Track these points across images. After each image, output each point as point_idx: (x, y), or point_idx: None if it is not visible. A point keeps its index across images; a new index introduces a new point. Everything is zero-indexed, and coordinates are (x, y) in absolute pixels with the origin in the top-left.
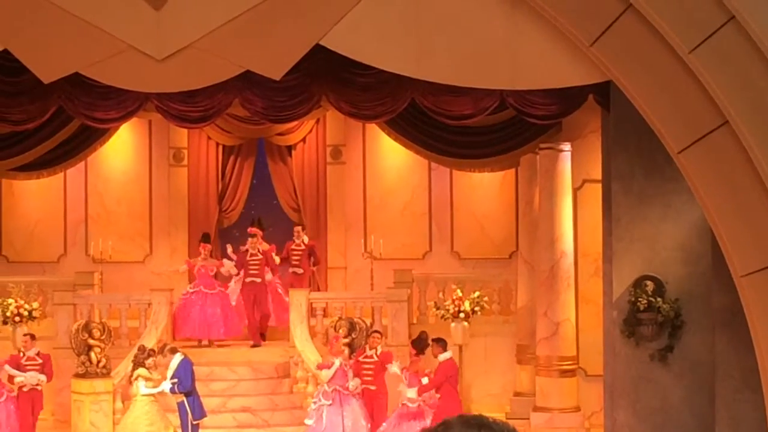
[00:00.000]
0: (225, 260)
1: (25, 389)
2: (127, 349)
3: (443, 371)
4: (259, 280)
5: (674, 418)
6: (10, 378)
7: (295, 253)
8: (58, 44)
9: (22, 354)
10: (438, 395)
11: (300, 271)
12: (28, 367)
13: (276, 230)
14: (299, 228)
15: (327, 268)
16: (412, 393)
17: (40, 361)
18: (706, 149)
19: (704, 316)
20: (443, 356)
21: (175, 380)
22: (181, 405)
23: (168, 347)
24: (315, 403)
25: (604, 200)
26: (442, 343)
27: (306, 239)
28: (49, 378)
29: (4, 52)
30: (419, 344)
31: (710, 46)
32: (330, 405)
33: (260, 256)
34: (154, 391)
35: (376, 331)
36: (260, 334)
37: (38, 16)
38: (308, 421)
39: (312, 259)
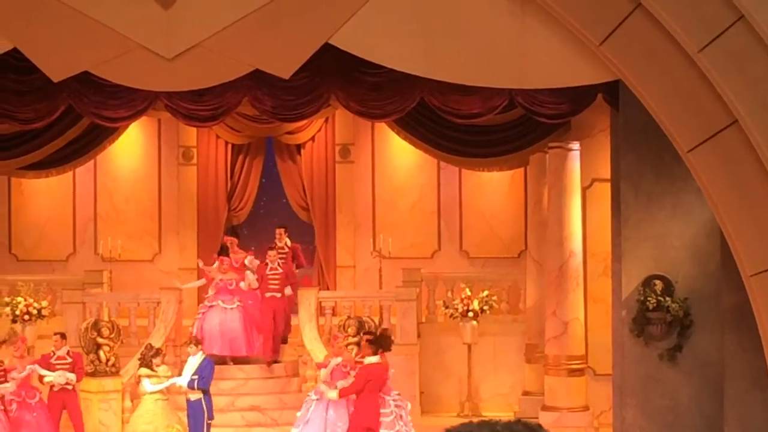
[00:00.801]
0: (248, 273)
1: (55, 389)
2: (137, 347)
3: (365, 375)
4: (279, 295)
5: (683, 418)
6: (41, 378)
7: (280, 255)
8: (67, 43)
9: (52, 353)
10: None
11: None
12: (58, 367)
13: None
14: (281, 230)
15: (336, 267)
16: (333, 395)
17: (71, 360)
18: (715, 148)
19: (713, 315)
20: (370, 360)
21: (196, 376)
22: (197, 403)
23: (195, 339)
24: (307, 398)
25: (613, 199)
26: (375, 347)
27: (288, 241)
28: (79, 377)
29: (13, 50)
30: (384, 342)
31: (719, 46)
32: (317, 400)
33: (280, 270)
34: (163, 386)
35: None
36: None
37: (47, 15)
38: (298, 414)
39: (296, 261)
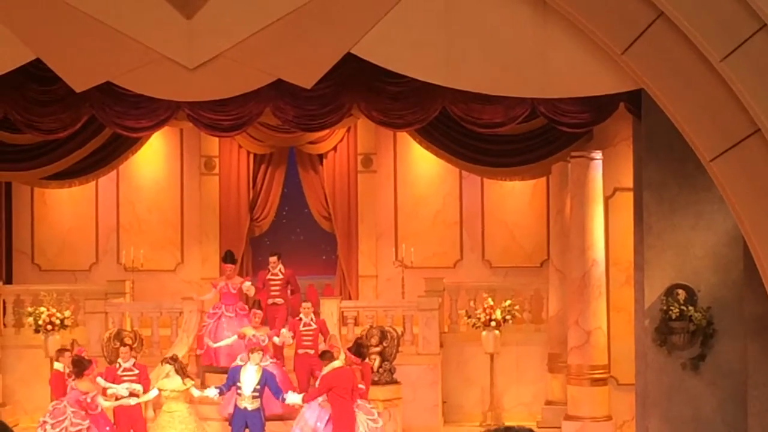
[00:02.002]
0: (283, 331)
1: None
2: (159, 357)
3: (327, 382)
4: (312, 351)
5: (706, 428)
6: (105, 391)
7: (273, 283)
8: (90, 53)
9: (118, 365)
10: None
11: (280, 301)
12: (124, 379)
13: (307, 240)
14: (275, 258)
15: (358, 277)
16: (296, 399)
17: (137, 371)
18: (738, 157)
19: (736, 324)
20: (332, 365)
21: (260, 386)
22: (256, 413)
23: (255, 347)
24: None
25: (636, 209)
26: (328, 355)
27: (282, 269)
28: (145, 389)
29: (36, 61)
30: (360, 351)
31: (742, 54)
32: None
33: (314, 326)
34: (210, 394)
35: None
36: None
37: (70, 26)
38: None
39: (290, 288)
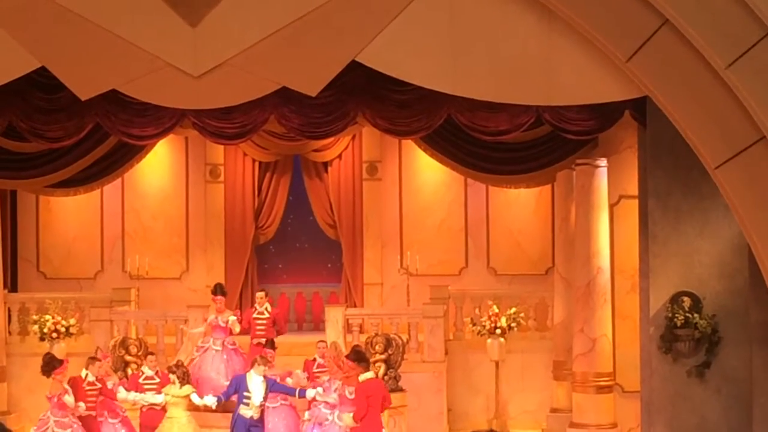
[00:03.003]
0: (296, 372)
1: (144, 409)
2: (164, 365)
3: (364, 391)
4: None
5: None
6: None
7: (259, 322)
8: (95, 61)
9: (141, 373)
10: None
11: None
12: (146, 387)
13: (312, 248)
14: (262, 294)
15: (363, 284)
16: (349, 419)
17: (159, 380)
18: (743, 165)
19: (741, 332)
20: (365, 376)
21: (267, 394)
22: (260, 422)
23: (263, 359)
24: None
25: (641, 216)
26: (363, 364)
27: (269, 307)
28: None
29: (41, 69)
30: (360, 357)
31: (747, 61)
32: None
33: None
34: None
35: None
36: None
37: (75, 34)
38: None
39: (276, 328)
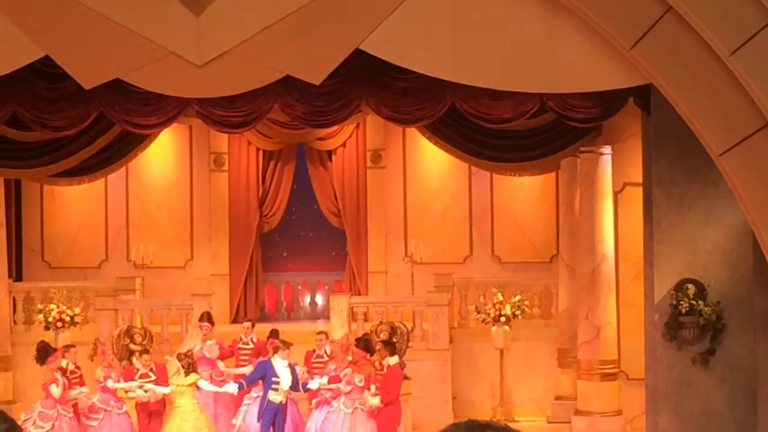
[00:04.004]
0: (296, 367)
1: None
2: (169, 354)
3: (396, 375)
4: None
5: (716, 422)
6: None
7: (243, 352)
8: (98, 51)
9: (136, 370)
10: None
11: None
12: (141, 380)
13: (317, 236)
14: (248, 324)
15: (368, 272)
16: (376, 401)
17: (154, 377)
18: (747, 152)
19: (746, 319)
20: (392, 360)
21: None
22: (284, 406)
23: (283, 344)
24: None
25: (645, 204)
26: (389, 347)
27: (255, 338)
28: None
29: (45, 58)
30: (368, 345)
31: (751, 48)
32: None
33: (251, 345)
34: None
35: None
36: None
37: (79, 23)
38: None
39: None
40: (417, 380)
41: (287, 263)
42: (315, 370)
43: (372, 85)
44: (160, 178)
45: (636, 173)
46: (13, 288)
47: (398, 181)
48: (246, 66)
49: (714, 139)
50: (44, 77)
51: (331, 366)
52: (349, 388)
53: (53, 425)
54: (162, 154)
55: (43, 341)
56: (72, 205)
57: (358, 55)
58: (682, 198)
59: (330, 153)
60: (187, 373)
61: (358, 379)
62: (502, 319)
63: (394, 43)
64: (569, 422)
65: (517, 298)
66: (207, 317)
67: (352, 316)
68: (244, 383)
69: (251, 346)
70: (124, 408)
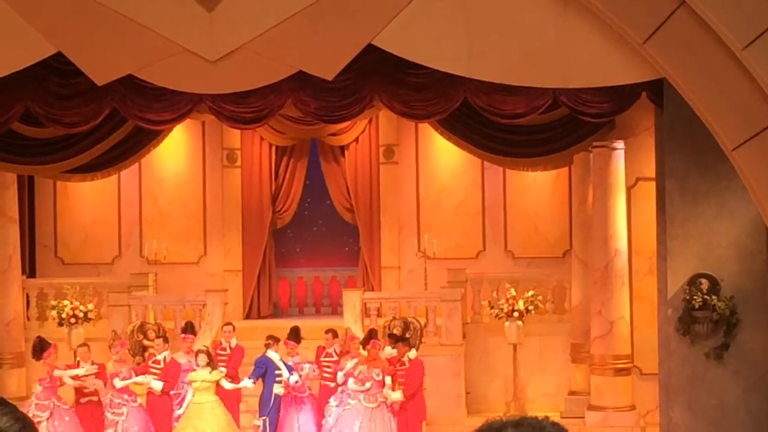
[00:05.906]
0: (305, 365)
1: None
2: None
3: (419, 368)
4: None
5: (730, 417)
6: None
7: (220, 357)
8: (111, 47)
9: (152, 355)
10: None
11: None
12: (152, 371)
13: (330, 232)
14: (230, 327)
15: (381, 268)
16: (398, 395)
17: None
18: (760, 146)
19: (760, 313)
20: (413, 354)
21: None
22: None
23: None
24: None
25: (658, 198)
26: (406, 341)
27: (234, 342)
28: (172, 384)
29: (58, 55)
30: (402, 337)
31: (764, 43)
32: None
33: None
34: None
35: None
36: None
37: (92, 19)
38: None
39: (232, 365)
40: (430, 375)
41: (300, 259)
42: (325, 368)
43: (384, 80)
44: (173, 174)
45: (649, 168)
46: (26, 284)
47: (411, 177)
48: (258, 62)
49: (727, 133)
50: (57, 74)
51: (348, 363)
52: (368, 384)
53: (51, 413)
54: (175, 150)
55: (39, 336)
56: (85, 202)
57: (371, 50)
58: (695, 192)
59: (343, 148)
60: (211, 369)
61: (375, 373)
62: (516, 314)
63: (406, 39)
64: (583, 417)
65: (531, 293)
66: (190, 328)
67: (365, 311)
68: (255, 378)
69: (228, 351)
70: (138, 401)
